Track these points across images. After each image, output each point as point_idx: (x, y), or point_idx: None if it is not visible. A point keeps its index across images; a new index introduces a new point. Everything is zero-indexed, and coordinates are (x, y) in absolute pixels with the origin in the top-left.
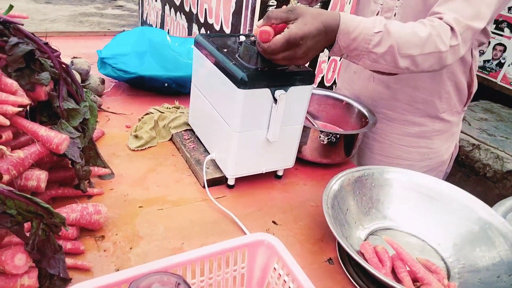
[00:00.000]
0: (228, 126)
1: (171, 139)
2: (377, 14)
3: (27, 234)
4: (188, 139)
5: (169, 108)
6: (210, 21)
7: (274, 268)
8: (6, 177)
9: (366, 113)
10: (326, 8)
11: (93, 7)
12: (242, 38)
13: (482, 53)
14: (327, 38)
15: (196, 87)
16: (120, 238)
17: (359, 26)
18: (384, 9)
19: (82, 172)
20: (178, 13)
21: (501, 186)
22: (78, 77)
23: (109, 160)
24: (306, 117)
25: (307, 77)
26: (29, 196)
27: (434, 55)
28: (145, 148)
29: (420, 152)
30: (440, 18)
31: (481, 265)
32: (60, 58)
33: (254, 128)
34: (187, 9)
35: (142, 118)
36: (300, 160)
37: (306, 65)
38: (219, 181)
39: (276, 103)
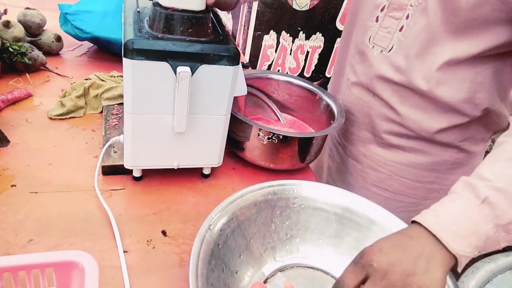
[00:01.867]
0: (124, 105)
1: (102, 112)
2: (381, 11)
3: None
4: (116, 114)
5: (115, 77)
6: None
7: None
8: None
9: (336, 112)
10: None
11: None
12: None
13: None
14: (424, 253)
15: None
16: None
17: (458, 218)
18: (393, 5)
19: None
20: None
21: None
22: (20, 30)
23: (14, 126)
24: (271, 108)
25: (228, 54)
26: None
27: None
28: (66, 118)
29: (427, 188)
30: None
31: None
32: None
33: (155, 112)
34: None
35: (74, 83)
36: (242, 160)
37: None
38: (124, 170)
39: (178, 83)
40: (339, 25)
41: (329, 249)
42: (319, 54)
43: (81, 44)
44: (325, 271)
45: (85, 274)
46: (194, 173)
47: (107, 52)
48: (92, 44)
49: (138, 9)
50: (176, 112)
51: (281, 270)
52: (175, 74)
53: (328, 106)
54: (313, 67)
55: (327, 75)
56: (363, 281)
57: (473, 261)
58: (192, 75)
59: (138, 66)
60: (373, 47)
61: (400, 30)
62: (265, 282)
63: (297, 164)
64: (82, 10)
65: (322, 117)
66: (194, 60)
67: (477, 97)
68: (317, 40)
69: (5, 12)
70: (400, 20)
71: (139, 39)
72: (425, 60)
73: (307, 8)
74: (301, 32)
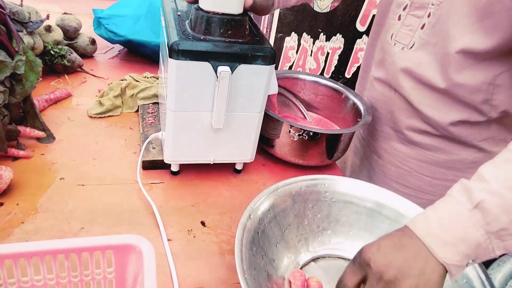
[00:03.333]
0: (166, 103)
1: (137, 111)
2: (403, 9)
3: None
4: (152, 113)
5: (148, 77)
6: None
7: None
8: None
9: (362, 111)
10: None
11: None
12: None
13: None
14: (416, 263)
15: (161, 55)
16: (18, 209)
17: (445, 219)
18: (415, 4)
19: (3, 130)
20: None
21: None
22: (59, 34)
23: (58, 123)
24: (298, 107)
25: (265, 54)
26: None
27: None
28: (105, 117)
29: (447, 186)
30: None
31: None
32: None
33: (195, 109)
34: None
35: (111, 84)
36: (272, 156)
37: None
38: (162, 165)
39: (218, 82)
40: (359, 27)
41: (359, 241)
42: (338, 55)
43: (113, 47)
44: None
45: (143, 256)
46: (227, 169)
47: (137, 54)
48: (122, 47)
49: (179, 13)
50: (215, 109)
51: (314, 260)
52: (216, 73)
53: (354, 104)
54: (333, 68)
55: (346, 75)
56: (364, 280)
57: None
58: (231, 74)
59: (182, 66)
60: (395, 44)
61: (422, 28)
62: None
63: (325, 160)
64: (115, 14)
65: (348, 115)
66: (234, 60)
67: (494, 98)
68: (337, 42)
69: (48, 17)
70: (422, 19)
71: (184, 41)
72: (445, 58)
73: (328, 10)
74: (321, 34)
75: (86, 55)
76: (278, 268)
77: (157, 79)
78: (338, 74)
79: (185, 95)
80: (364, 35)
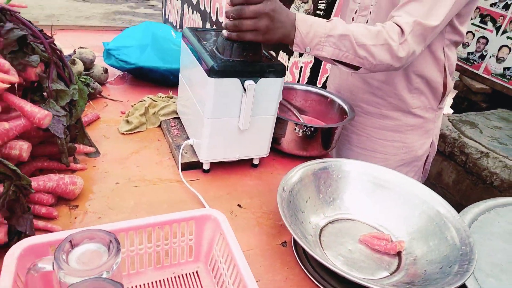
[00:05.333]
0: (202, 113)
1: (159, 126)
2: (355, 13)
3: None
4: (174, 126)
5: (162, 97)
6: (220, 19)
7: (217, 243)
8: None
9: (347, 109)
10: (330, 12)
11: (127, 6)
12: (224, 32)
13: (467, 45)
14: (289, 20)
15: (182, 78)
16: (92, 208)
17: (313, 18)
18: (361, 7)
19: (66, 147)
20: (194, 12)
21: (508, 195)
22: (81, 66)
23: (98, 141)
24: (291, 111)
25: (277, 70)
26: (10, 157)
27: (386, 47)
28: (134, 132)
29: (394, 146)
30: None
31: (430, 258)
32: (55, 45)
33: (226, 116)
34: (202, 8)
35: (135, 105)
36: (279, 152)
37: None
38: (195, 165)
39: (245, 93)
40: None
41: (361, 206)
42: (310, 68)
43: (120, 75)
44: (361, 221)
45: (219, 222)
46: (246, 164)
47: (143, 79)
48: (125, 74)
49: (204, 42)
50: (242, 114)
51: (330, 222)
52: (243, 86)
53: (339, 105)
54: (306, 79)
55: (318, 85)
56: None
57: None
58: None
59: (218, 83)
60: None
61: (366, 22)
62: (320, 232)
63: (322, 151)
64: (122, 45)
65: (334, 114)
66: (256, 75)
67: (420, 70)
68: (308, 57)
69: (74, 52)
70: (366, 17)
71: (219, 64)
72: None
73: None
74: (295, 51)
75: (100, 83)
76: (305, 229)
77: (171, 98)
78: (311, 84)
79: (219, 105)
80: None
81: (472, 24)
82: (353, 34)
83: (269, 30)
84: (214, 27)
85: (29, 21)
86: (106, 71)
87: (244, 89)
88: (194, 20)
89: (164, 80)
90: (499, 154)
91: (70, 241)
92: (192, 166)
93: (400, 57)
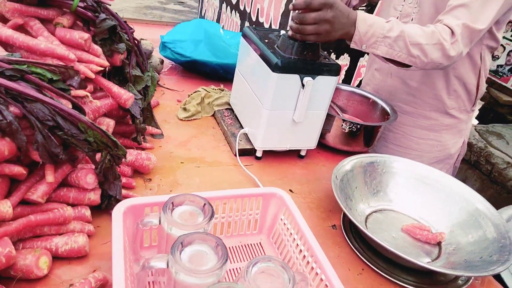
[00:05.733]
0: (261, 104)
1: (213, 115)
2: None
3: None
4: (228, 116)
5: (215, 89)
6: (261, 20)
7: (281, 218)
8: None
9: (389, 110)
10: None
11: (157, 1)
12: (282, 32)
13: (496, 58)
14: (349, 21)
15: (239, 72)
16: (163, 182)
17: (373, 17)
18: (403, 15)
19: (140, 127)
20: (233, 11)
21: None
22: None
23: (160, 124)
24: (334, 109)
25: (333, 69)
26: (103, 129)
27: (439, 47)
28: (191, 119)
29: (429, 144)
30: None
31: (469, 249)
32: (133, 35)
33: (283, 108)
34: (241, 8)
35: (191, 94)
36: (323, 146)
37: (340, 62)
38: (249, 152)
39: (303, 88)
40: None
41: (401, 198)
42: (345, 71)
43: (172, 66)
44: (402, 212)
45: (284, 199)
46: (293, 155)
47: (194, 71)
48: (175, 65)
49: (266, 40)
50: (298, 107)
51: (375, 211)
52: (301, 82)
53: (381, 106)
54: (340, 81)
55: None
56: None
57: None
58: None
59: (280, 77)
60: None
61: None
62: (366, 220)
63: (364, 147)
64: (176, 39)
65: (375, 114)
66: (314, 72)
67: (459, 75)
68: (345, 60)
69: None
70: (408, 23)
71: (282, 60)
72: None
73: None
74: (332, 53)
75: (157, 72)
76: (353, 215)
77: (222, 90)
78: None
79: (278, 98)
80: (366, 54)
81: (504, 37)
82: (409, 34)
83: (329, 33)
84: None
85: (116, 13)
86: (162, 62)
87: (303, 85)
88: (232, 19)
89: (214, 73)
90: None
91: (172, 202)
92: (246, 152)
93: (451, 56)
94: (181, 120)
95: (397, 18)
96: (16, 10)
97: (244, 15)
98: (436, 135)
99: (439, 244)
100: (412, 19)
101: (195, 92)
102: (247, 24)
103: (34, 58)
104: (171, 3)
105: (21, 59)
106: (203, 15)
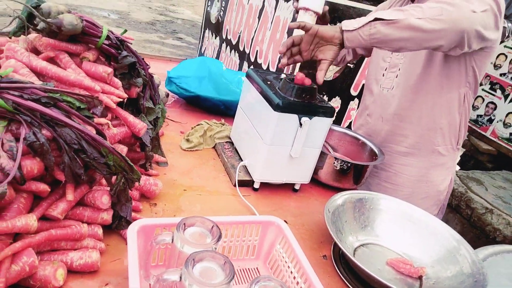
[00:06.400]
0: (261, 139)
1: (214, 147)
2: (385, 70)
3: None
4: (228, 148)
5: (216, 123)
6: (259, 61)
7: (278, 246)
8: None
9: (377, 151)
10: (360, 66)
11: (157, 36)
12: (283, 76)
13: (476, 108)
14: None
15: (242, 109)
16: (167, 207)
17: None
18: (391, 65)
19: (149, 154)
20: (232, 51)
21: None
22: None
23: (165, 154)
24: (326, 148)
25: (328, 111)
26: (122, 154)
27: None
28: (193, 150)
29: (419, 180)
30: None
31: (448, 283)
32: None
33: (281, 144)
34: (241, 48)
35: (195, 127)
36: (316, 181)
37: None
38: (247, 183)
39: (301, 127)
40: (352, 92)
41: (388, 234)
42: (336, 113)
43: (175, 99)
44: (387, 247)
45: (282, 228)
46: (287, 188)
47: (196, 105)
48: (178, 99)
49: (269, 82)
50: (295, 144)
51: (362, 245)
52: (299, 121)
53: (369, 147)
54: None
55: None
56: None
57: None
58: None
59: (280, 116)
60: (383, 89)
61: (396, 77)
62: (354, 252)
63: (353, 185)
64: (181, 75)
65: (363, 154)
66: (311, 113)
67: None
68: (336, 102)
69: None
70: (395, 72)
71: (282, 101)
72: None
73: (331, 79)
74: (325, 96)
75: None
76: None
77: (223, 124)
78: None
79: (277, 135)
80: (356, 98)
81: (482, 89)
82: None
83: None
84: (252, 66)
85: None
86: (167, 95)
87: (300, 124)
88: (231, 58)
89: (216, 108)
90: (503, 212)
91: (184, 223)
92: (244, 184)
93: (474, 26)
94: (184, 150)
95: (385, 68)
96: (49, 45)
97: (243, 56)
98: (426, 173)
99: (420, 278)
100: (399, 69)
101: (198, 125)
102: (245, 64)
103: (63, 88)
104: (170, 38)
105: (54, 88)
106: (202, 52)
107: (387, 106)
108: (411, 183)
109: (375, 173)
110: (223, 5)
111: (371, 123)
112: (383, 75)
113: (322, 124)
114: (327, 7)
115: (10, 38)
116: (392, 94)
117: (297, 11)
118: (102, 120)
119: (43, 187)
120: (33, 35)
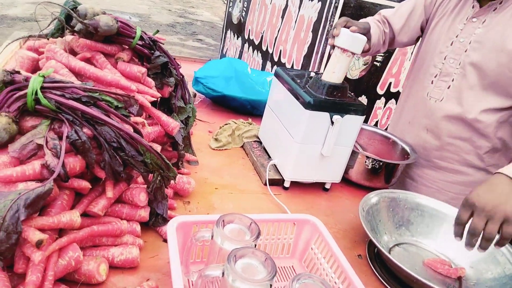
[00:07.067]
0: (292, 138)
1: (242, 146)
2: (435, 77)
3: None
4: (256, 147)
5: (244, 123)
6: (283, 60)
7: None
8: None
9: (408, 150)
10: (387, 64)
11: (177, 37)
12: (312, 74)
13: None
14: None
15: (270, 107)
16: (200, 205)
17: None
18: (443, 73)
19: (181, 153)
20: (255, 51)
21: None
22: None
23: (195, 152)
24: (356, 147)
25: (359, 109)
26: (159, 152)
27: None
28: (222, 149)
29: (465, 190)
30: None
31: (489, 284)
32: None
33: (312, 142)
34: (264, 48)
35: (223, 126)
36: (346, 181)
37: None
38: (277, 182)
39: (332, 125)
40: (379, 90)
41: (421, 234)
42: None
43: (201, 99)
44: (423, 247)
45: (317, 226)
46: (318, 188)
47: (222, 105)
48: (205, 99)
49: (298, 80)
50: (327, 143)
51: (397, 244)
52: (331, 119)
53: (400, 146)
54: None
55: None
56: (471, 216)
57: None
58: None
59: (311, 115)
60: (430, 99)
61: (448, 88)
62: (389, 252)
63: (384, 184)
64: (208, 75)
65: (395, 153)
66: (342, 111)
67: (499, 132)
68: (362, 101)
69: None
70: (448, 82)
71: (314, 99)
72: (465, 107)
73: (357, 77)
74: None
75: None
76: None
77: (250, 124)
78: None
79: (308, 133)
80: (382, 97)
81: None
82: None
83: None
84: (275, 66)
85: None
86: (194, 95)
87: (332, 122)
88: (254, 58)
89: (242, 108)
90: None
91: (223, 220)
92: (274, 182)
93: None
94: (213, 149)
95: (435, 75)
96: (86, 45)
97: (266, 56)
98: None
99: (459, 279)
100: (452, 80)
101: (226, 124)
102: (269, 64)
103: (100, 87)
104: (190, 39)
105: (94, 87)
106: (224, 53)
107: (433, 117)
108: (455, 201)
109: (415, 189)
110: (245, 5)
111: (412, 133)
112: (432, 83)
113: (354, 122)
114: (367, 46)
115: (48, 39)
116: (439, 105)
117: (332, 47)
118: (138, 119)
119: (85, 184)
120: (70, 37)
